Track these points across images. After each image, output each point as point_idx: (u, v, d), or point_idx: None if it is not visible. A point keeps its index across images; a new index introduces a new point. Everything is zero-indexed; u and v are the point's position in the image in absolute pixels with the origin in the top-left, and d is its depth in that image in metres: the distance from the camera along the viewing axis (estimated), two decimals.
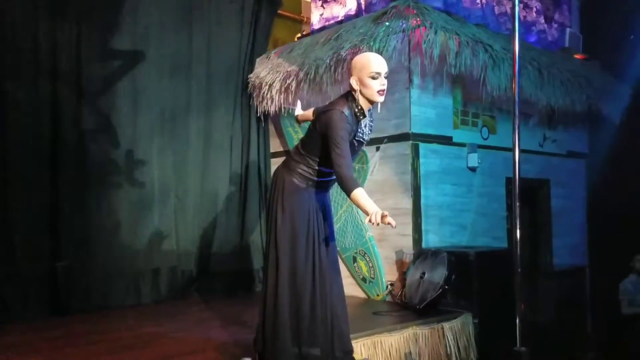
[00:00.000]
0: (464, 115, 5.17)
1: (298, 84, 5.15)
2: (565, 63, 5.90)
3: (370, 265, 4.96)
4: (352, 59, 2.94)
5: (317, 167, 2.89)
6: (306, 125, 3.25)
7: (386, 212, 2.47)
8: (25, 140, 4.50)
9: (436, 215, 4.86)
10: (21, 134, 4.48)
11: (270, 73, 5.53)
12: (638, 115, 6.28)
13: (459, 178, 5.09)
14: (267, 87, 5.50)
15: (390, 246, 4.75)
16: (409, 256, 4.66)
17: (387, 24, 4.59)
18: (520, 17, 5.75)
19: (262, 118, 5.89)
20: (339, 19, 5.60)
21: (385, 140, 4.85)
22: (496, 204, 5.39)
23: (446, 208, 4.95)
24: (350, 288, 4.99)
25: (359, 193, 2.60)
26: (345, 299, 3.03)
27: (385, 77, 2.82)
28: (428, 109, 4.85)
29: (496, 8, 5.65)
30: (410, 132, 4.72)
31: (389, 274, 4.84)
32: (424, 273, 4.30)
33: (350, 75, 2.86)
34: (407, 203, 4.71)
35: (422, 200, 4.76)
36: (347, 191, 2.64)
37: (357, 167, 5.05)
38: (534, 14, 6.22)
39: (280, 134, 5.99)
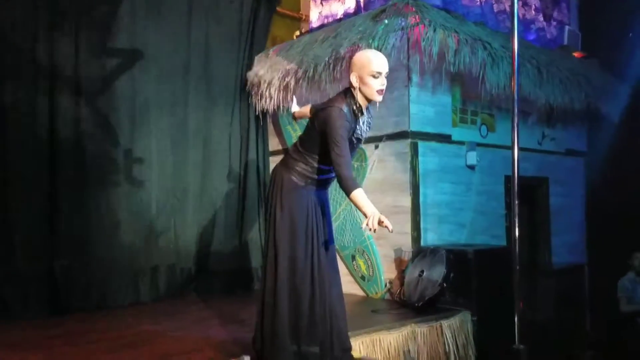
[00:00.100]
0: (463, 114, 5.17)
1: (297, 82, 5.15)
2: (564, 61, 5.90)
3: (369, 263, 4.96)
4: (351, 56, 2.93)
5: (315, 165, 2.89)
6: (304, 122, 3.24)
7: (383, 217, 2.49)
8: (24, 139, 4.49)
9: (435, 213, 4.86)
10: (20, 134, 4.48)
11: (268, 71, 5.53)
12: (637, 113, 6.28)
13: (458, 176, 5.09)
14: (265, 85, 5.49)
15: (389, 244, 4.75)
16: (407, 254, 4.66)
17: (386, 21, 4.59)
18: (519, 15, 5.77)
19: (260, 116, 5.88)
20: (338, 16, 5.60)
21: (384, 138, 4.84)
22: (495, 202, 5.39)
23: (445, 206, 4.95)
24: (349, 286, 4.99)
25: (358, 194, 2.62)
26: (343, 297, 3.03)
27: (386, 77, 2.82)
28: (427, 107, 4.85)
29: (495, 6, 5.65)
30: (409, 130, 4.71)
31: (387, 272, 4.84)
32: (422, 271, 4.30)
33: (350, 71, 2.85)
34: (406, 201, 4.71)
35: (421, 199, 4.76)
36: (347, 192, 2.65)
37: (355, 166, 5.04)
38: (533, 12, 6.22)
39: (279, 132, 5.99)
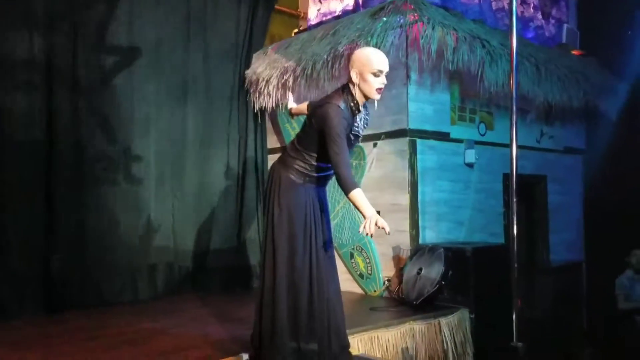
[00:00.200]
0: (462, 112, 5.17)
1: (295, 80, 5.14)
2: (562, 59, 5.91)
3: (368, 261, 4.96)
4: (349, 54, 2.93)
5: (313, 163, 2.88)
6: (302, 120, 3.23)
7: (381, 220, 2.52)
8: (21, 138, 4.47)
9: (433, 211, 4.86)
10: (17, 132, 4.46)
11: (267, 69, 5.52)
12: (635, 111, 6.28)
13: (456, 174, 5.09)
14: (264, 83, 5.48)
15: (387, 242, 4.75)
16: (406, 252, 4.67)
17: (384, 19, 4.58)
18: (518, 12, 5.77)
19: (259, 114, 5.87)
20: (336, 14, 5.59)
21: (383, 136, 4.85)
22: (493, 200, 5.40)
23: (443, 204, 4.96)
24: (348, 284, 4.99)
25: (357, 194, 2.64)
26: (341, 294, 3.03)
27: (386, 76, 2.82)
28: (425, 105, 4.85)
29: (494, 4, 5.64)
30: (407, 128, 4.71)
31: (386, 270, 4.84)
32: (421, 269, 4.31)
33: (350, 67, 2.84)
34: (405, 199, 4.72)
35: (420, 197, 4.76)
36: (346, 191, 2.67)
37: (354, 164, 5.04)
38: (532, 10, 6.22)
39: (278, 130, 5.98)
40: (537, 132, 6.01)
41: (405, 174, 4.72)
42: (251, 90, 5.72)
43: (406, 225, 4.69)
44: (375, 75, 2.77)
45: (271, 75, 5.40)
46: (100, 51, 4.88)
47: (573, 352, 5.87)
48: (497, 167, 5.34)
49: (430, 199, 4.84)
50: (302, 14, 6.69)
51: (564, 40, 6.41)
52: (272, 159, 5.87)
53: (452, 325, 4.13)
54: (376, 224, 2.51)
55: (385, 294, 4.83)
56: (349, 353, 3.03)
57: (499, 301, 3.51)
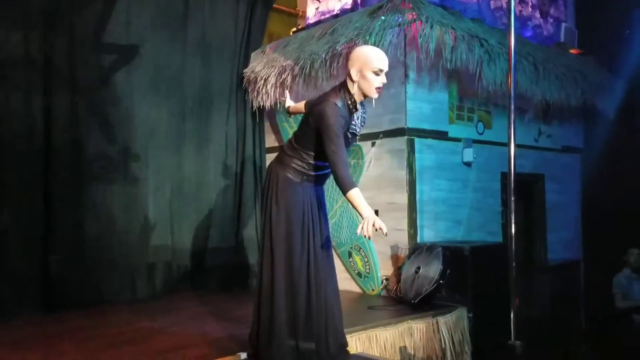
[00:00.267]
0: (460, 110, 5.17)
1: (293, 79, 5.14)
2: (560, 58, 5.91)
3: (366, 260, 4.97)
4: (348, 53, 2.92)
5: (311, 161, 2.87)
6: (300, 118, 3.23)
7: (378, 221, 2.52)
8: (19, 138, 4.47)
9: (431, 210, 4.87)
10: (15, 132, 4.45)
11: (265, 67, 5.51)
12: (633, 110, 6.30)
13: (455, 173, 5.09)
14: (262, 81, 5.48)
15: (385, 241, 4.75)
16: (404, 251, 4.67)
17: (383, 18, 4.58)
18: (516, 11, 5.77)
19: (257, 113, 5.87)
20: (335, 12, 5.59)
21: (381, 135, 4.85)
22: (491, 199, 5.40)
23: (441, 203, 4.96)
24: (346, 283, 5.00)
25: (354, 193, 2.63)
26: (339, 293, 3.02)
27: (385, 75, 2.82)
28: (424, 104, 4.85)
29: (492, 2, 5.65)
30: (405, 127, 4.72)
31: (384, 269, 4.85)
32: (419, 268, 4.31)
33: (348, 64, 2.83)
34: (403, 198, 4.72)
35: (418, 196, 4.76)
36: (343, 190, 2.66)
37: (352, 163, 5.04)
38: (530, 9, 6.23)
39: (276, 129, 5.98)
40: (535, 131, 6.02)
41: (404, 173, 4.72)
42: (249, 89, 5.71)
43: (404, 224, 4.69)
44: (376, 73, 2.77)
45: (269, 74, 5.40)
46: (98, 50, 4.88)
47: (571, 350, 5.88)
48: (495, 166, 5.34)
49: (428, 197, 4.84)
50: (300, 13, 6.69)
51: (562, 39, 6.41)
52: (270, 157, 5.86)
53: (450, 324, 4.14)
54: (373, 226, 2.51)
55: (384, 292, 4.83)
56: (347, 352, 3.03)
57: (497, 300, 3.51)
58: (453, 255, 4.29)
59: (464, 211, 5.15)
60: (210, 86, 5.61)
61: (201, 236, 5.48)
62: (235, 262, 5.60)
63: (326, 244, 2.96)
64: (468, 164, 5.16)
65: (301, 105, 3.30)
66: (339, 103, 2.76)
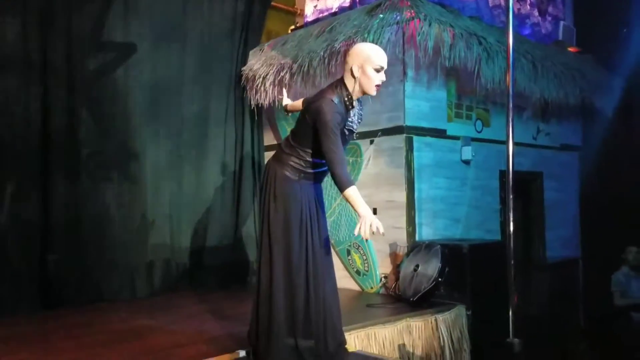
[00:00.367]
0: (458, 108, 5.17)
1: (292, 77, 5.13)
2: (558, 56, 5.91)
3: (364, 258, 4.97)
4: (346, 51, 2.91)
5: (308, 159, 2.86)
6: (297, 115, 3.22)
7: (375, 221, 2.53)
8: (17, 136, 4.45)
9: (430, 208, 4.87)
10: (12, 130, 4.44)
11: (263, 66, 5.51)
12: (631, 108, 6.30)
13: (453, 171, 5.09)
14: (260, 79, 5.47)
15: (384, 239, 4.74)
16: (402, 249, 4.67)
17: (381, 16, 4.58)
18: (514, 9, 5.74)
19: (255, 111, 5.86)
20: (333, 10, 5.58)
21: (379, 133, 4.84)
22: (490, 197, 5.41)
23: (440, 201, 4.96)
24: (344, 281, 5.00)
25: (351, 191, 2.63)
26: (338, 291, 3.02)
27: (384, 73, 2.82)
28: (422, 102, 4.85)
29: (490, 0, 5.64)
30: (404, 125, 4.71)
31: (382, 267, 4.85)
32: (417, 266, 4.31)
33: (348, 60, 2.80)
34: (401, 196, 4.72)
35: (416, 194, 4.76)
36: (340, 189, 2.66)
37: (351, 161, 5.05)
38: (528, 7, 6.22)
39: (274, 127, 5.98)
40: (533, 129, 6.02)
41: (402, 171, 4.72)
42: (247, 87, 5.70)
43: (403, 222, 4.69)
44: (377, 71, 2.77)
45: (267, 72, 5.39)
46: (96, 48, 4.87)
47: (569, 348, 5.89)
48: (494, 164, 5.34)
49: (426, 195, 4.84)
50: (298, 11, 6.68)
51: (560, 37, 6.42)
52: (268, 155, 5.83)
53: (449, 322, 4.14)
54: (370, 227, 2.51)
55: (382, 290, 4.83)
56: (346, 350, 3.03)
57: (496, 298, 3.51)
58: (452, 253, 4.29)
59: (462, 209, 5.15)
60: (209, 84, 5.60)
61: (200, 234, 5.47)
62: (234, 260, 5.59)
63: (324, 242, 2.95)
64: (466, 162, 5.16)
65: (298, 103, 3.28)
66: (336, 99, 2.75)
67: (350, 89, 2.81)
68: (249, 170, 5.83)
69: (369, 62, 2.76)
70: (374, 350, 3.64)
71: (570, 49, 6.45)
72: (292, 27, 6.25)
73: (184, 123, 5.42)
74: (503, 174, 5.25)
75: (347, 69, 2.81)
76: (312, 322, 2.82)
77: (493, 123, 5.46)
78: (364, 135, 4.86)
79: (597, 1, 6.53)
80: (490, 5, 5.64)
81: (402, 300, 4.36)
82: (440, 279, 4.19)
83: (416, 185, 4.77)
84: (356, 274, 5.07)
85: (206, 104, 5.58)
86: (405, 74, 4.68)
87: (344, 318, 3.05)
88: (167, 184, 5.29)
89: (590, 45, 6.53)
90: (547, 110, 5.90)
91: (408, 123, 4.73)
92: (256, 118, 5.93)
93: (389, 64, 2.90)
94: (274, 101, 5.43)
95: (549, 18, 6.47)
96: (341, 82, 2.82)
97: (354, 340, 3.54)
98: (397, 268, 4.61)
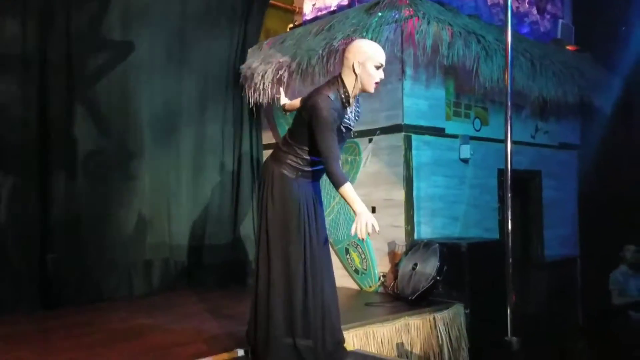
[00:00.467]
0: (457, 107, 5.16)
1: (290, 75, 5.13)
2: (557, 54, 5.91)
3: (363, 257, 4.97)
4: (345, 49, 2.89)
5: (305, 157, 2.86)
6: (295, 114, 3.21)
7: (371, 220, 2.54)
8: (15, 134, 4.45)
9: (428, 207, 4.87)
10: (11, 128, 4.43)
11: (262, 64, 5.50)
12: (629, 106, 6.30)
13: (451, 170, 5.09)
14: (259, 78, 5.46)
15: (382, 238, 4.75)
16: (401, 248, 4.67)
17: (379, 14, 4.57)
18: (513, 8, 5.73)
19: (254, 109, 5.86)
20: (332, 9, 5.57)
21: (378, 132, 4.84)
22: (488, 195, 5.41)
23: (438, 200, 4.96)
24: (343, 280, 5.00)
25: (347, 188, 2.64)
26: (336, 290, 3.02)
27: (382, 71, 2.82)
28: (420, 101, 4.84)
29: None
30: (402, 123, 4.71)
31: (381, 266, 4.85)
32: (416, 264, 4.31)
33: (348, 56, 2.79)
34: (400, 195, 4.72)
35: (415, 192, 4.76)
36: (335, 185, 2.66)
37: (349, 159, 5.04)
38: (527, 5, 6.22)
39: (273, 126, 5.97)
40: (532, 128, 6.02)
41: (401, 170, 4.72)
42: (246, 86, 5.70)
43: (401, 220, 4.69)
44: (377, 68, 2.78)
45: (266, 71, 5.39)
46: (94, 46, 4.86)
47: (567, 346, 5.89)
48: (492, 162, 5.34)
49: (425, 194, 4.84)
50: (297, 9, 6.66)
51: (559, 35, 6.41)
52: (267, 154, 5.82)
53: (447, 321, 4.14)
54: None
55: (381, 289, 4.83)
56: (344, 348, 3.03)
57: (494, 296, 3.50)
58: (450, 252, 4.29)
59: (461, 208, 5.15)
60: (207, 82, 5.59)
61: (198, 233, 5.47)
62: (233, 258, 5.59)
63: (323, 241, 2.95)
64: (465, 161, 5.16)
65: (296, 102, 3.27)
66: (332, 96, 2.74)
67: (349, 85, 2.80)
68: (247, 169, 5.83)
69: (371, 59, 2.76)
70: (372, 349, 3.64)
71: (568, 48, 6.45)
72: (291, 25, 6.23)
73: (182, 122, 5.41)
74: (501, 173, 5.25)
75: (348, 65, 2.79)
76: (311, 321, 2.82)
77: (491, 121, 5.46)
78: (362, 133, 4.86)
79: None
80: (489, 3, 5.64)
81: (400, 298, 4.36)
82: (438, 278, 4.19)
83: (415, 184, 4.76)
84: (355, 272, 5.07)
85: (204, 103, 5.57)
86: (403, 72, 4.68)
87: (343, 317, 3.05)
88: (165, 183, 5.29)
89: (589, 43, 6.52)
90: (545, 109, 5.90)
91: (406, 121, 4.72)
92: (255, 117, 5.93)
93: (387, 62, 2.90)
94: (272, 100, 5.42)
95: (548, 16, 6.47)
96: (339, 79, 2.82)
97: (353, 339, 3.54)
98: (395, 267, 4.62)
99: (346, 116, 2.84)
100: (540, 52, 5.55)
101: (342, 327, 3.05)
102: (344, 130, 2.86)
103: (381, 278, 4.83)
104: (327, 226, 3.12)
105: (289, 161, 2.88)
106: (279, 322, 2.82)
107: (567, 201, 6.51)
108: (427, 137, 4.88)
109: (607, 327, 5.75)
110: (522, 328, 2.93)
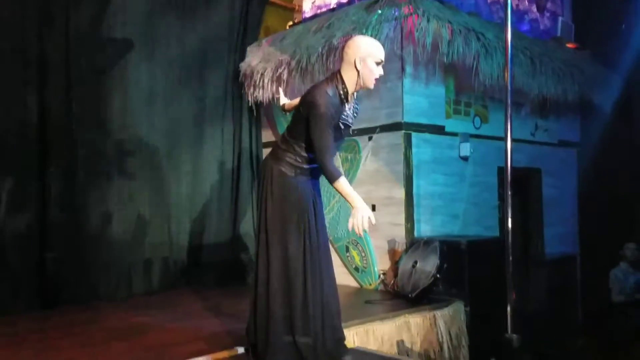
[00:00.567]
0: (457, 105, 5.16)
1: (290, 73, 5.12)
2: (557, 52, 5.90)
3: (363, 254, 4.97)
4: (344, 46, 2.88)
5: (303, 154, 2.85)
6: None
7: (367, 213, 2.57)
8: (13, 133, 4.44)
9: (428, 204, 4.86)
10: (9, 127, 4.42)
11: (261, 62, 5.49)
12: (629, 104, 6.30)
13: (451, 167, 5.09)
14: (258, 75, 5.46)
15: (382, 236, 4.75)
16: (401, 245, 4.67)
17: (379, 11, 4.57)
18: (513, 5, 5.73)
19: (254, 107, 5.85)
20: (331, 6, 5.56)
21: (378, 130, 4.84)
22: (488, 193, 5.40)
23: (438, 197, 4.96)
24: (343, 277, 5.00)
25: (342, 182, 2.67)
26: (336, 287, 3.01)
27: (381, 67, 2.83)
28: (420, 98, 4.84)
29: None
30: (402, 121, 4.70)
31: (381, 263, 4.85)
32: (416, 262, 4.31)
33: (348, 52, 2.78)
34: (399, 193, 4.72)
35: (414, 190, 4.76)
36: (330, 180, 2.68)
37: (349, 157, 5.04)
38: (527, 3, 6.21)
39: (272, 124, 5.97)
40: (531, 126, 6.02)
41: (400, 168, 4.72)
42: (246, 83, 5.69)
43: (401, 218, 4.69)
44: (377, 64, 2.78)
45: (266, 69, 5.38)
46: (93, 45, 4.84)
47: (567, 344, 5.90)
48: (492, 160, 5.34)
49: (425, 192, 4.84)
50: (296, 7, 6.65)
51: (558, 33, 6.41)
52: (266, 152, 5.82)
53: (447, 318, 4.15)
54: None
55: (381, 287, 4.83)
56: (344, 346, 3.02)
57: (494, 294, 3.52)
58: (450, 250, 4.29)
59: (460, 205, 5.15)
60: (206, 80, 5.58)
61: (198, 232, 5.47)
62: (232, 257, 5.59)
63: (323, 239, 2.94)
64: (465, 159, 5.16)
65: (296, 101, 3.25)
66: (330, 92, 2.73)
67: (348, 81, 2.79)
68: (247, 167, 5.83)
69: (371, 55, 2.76)
70: (372, 346, 3.64)
71: (568, 45, 6.44)
72: (290, 23, 6.23)
73: (181, 120, 5.41)
74: (501, 171, 5.22)
75: (348, 61, 2.78)
76: (310, 318, 2.82)
77: (491, 119, 5.45)
78: (362, 131, 4.85)
79: None
80: (489, 1, 5.63)
81: (400, 296, 4.36)
82: (438, 275, 4.19)
83: (414, 182, 4.76)
84: (355, 270, 5.07)
85: (204, 101, 5.56)
86: (403, 70, 4.68)
87: (343, 314, 3.05)
88: (165, 182, 5.28)
89: (589, 41, 6.52)
90: (545, 107, 5.89)
91: (406, 119, 4.72)
92: (254, 114, 5.92)
93: (387, 60, 2.90)
94: (272, 98, 5.42)
95: (548, 14, 6.46)
96: (338, 75, 2.81)
97: (353, 337, 3.54)
98: (395, 264, 4.62)
99: (344, 113, 2.83)
100: (540, 49, 5.55)
101: (343, 324, 3.05)
102: (342, 127, 2.84)
103: (381, 276, 4.83)
104: (327, 224, 3.12)
105: (287, 159, 2.87)
106: (278, 320, 2.82)
107: (567, 199, 6.51)
108: (427, 135, 4.88)
109: (606, 324, 5.76)
110: (522, 325, 2.94)
